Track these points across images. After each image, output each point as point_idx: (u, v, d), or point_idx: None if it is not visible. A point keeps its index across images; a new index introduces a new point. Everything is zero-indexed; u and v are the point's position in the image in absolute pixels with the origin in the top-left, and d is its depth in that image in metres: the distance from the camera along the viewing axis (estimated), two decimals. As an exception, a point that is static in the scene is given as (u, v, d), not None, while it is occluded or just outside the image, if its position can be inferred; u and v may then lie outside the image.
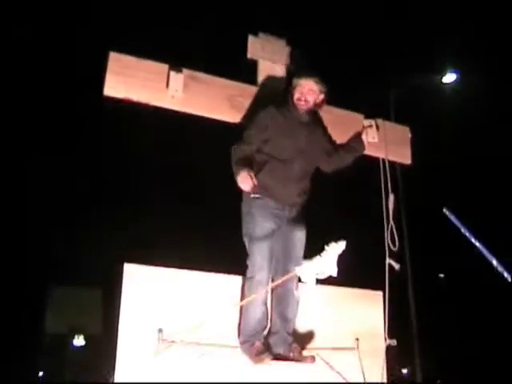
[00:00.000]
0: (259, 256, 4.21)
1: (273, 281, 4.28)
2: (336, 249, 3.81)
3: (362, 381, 4.59)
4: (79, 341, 18.84)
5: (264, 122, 4.43)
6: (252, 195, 4.32)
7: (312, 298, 4.63)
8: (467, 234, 4.04)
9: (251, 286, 4.19)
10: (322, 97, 4.60)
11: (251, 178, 4.17)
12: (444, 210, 4.20)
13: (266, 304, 4.25)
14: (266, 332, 4.28)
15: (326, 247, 3.85)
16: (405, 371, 19.39)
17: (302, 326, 4.56)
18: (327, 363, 4.49)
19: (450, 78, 11.91)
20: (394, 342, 4.75)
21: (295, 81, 4.57)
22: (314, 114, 4.65)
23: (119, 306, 4.21)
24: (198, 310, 4.31)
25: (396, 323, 5.06)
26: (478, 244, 3.91)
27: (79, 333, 18.72)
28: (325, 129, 4.82)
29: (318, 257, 3.85)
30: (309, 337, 4.57)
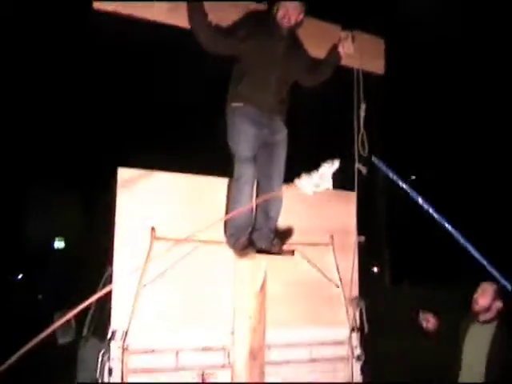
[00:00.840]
0: (244, 158, 4.56)
1: (257, 183, 4.67)
2: (331, 167, 4.29)
3: (336, 273, 5.10)
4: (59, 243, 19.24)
5: (244, 28, 4.68)
6: (234, 104, 4.63)
7: (291, 198, 5.03)
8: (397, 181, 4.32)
9: (238, 185, 4.56)
10: (302, 15, 4.83)
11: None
12: (372, 159, 4.47)
13: (251, 201, 4.61)
14: (250, 228, 4.69)
15: (322, 164, 4.29)
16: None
17: (281, 224, 4.96)
18: (305, 257, 4.95)
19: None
20: (362, 239, 5.24)
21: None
22: (293, 31, 4.89)
23: (114, 208, 4.58)
24: (189, 211, 4.69)
25: (368, 223, 5.53)
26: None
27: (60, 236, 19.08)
28: (303, 46, 5.07)
29: (315, 172, 4.29)
30: (288, 233, 4.97)
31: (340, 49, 5.22)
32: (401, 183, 4.53)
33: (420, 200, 4.65)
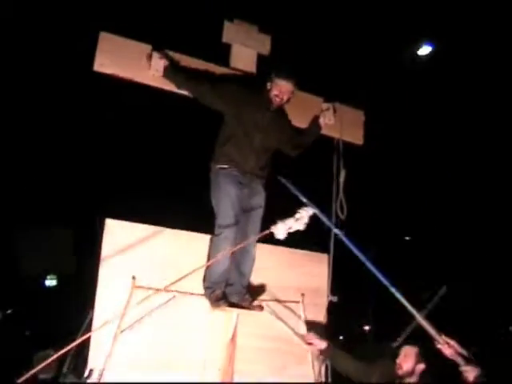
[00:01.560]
0: (226, 216, 4.89)
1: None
2: (306, 213, 4.71)
3: (304, 330, 5.39)
4: (51, 281, 19.31)
5: (232, 89, 5.08)
6: (218, 166, 5.00)
7: (266, 257, 5.38)
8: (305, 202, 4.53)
9: (218, 241, 4.89)
10: (291, 96, 5.24)
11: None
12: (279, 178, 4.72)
13: (229, 259, 4.92)
14: (225, 283, 4.99)
15: (298, 212, 4.71)
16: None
17: (255, 281, 5.28)
18: (274, 313, 5.26)
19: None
20: (335, 298, 5.55)
21: (275, 79, 5.14)
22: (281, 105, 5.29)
23: (99, 256, 4.91)
24: (169, 263, 5.02)
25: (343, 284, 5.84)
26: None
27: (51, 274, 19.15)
28: (287, 117, 5.48)
29: (291, 218, 4.68)
30: (260, 290, 5.30)
31: (321, 119, 5.62)
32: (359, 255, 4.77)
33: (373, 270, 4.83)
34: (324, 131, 5.73)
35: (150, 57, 5.07)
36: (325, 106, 5.78)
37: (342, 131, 5.86)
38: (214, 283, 4.90)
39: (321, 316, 5.53)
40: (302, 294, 5.50)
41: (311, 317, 5.50)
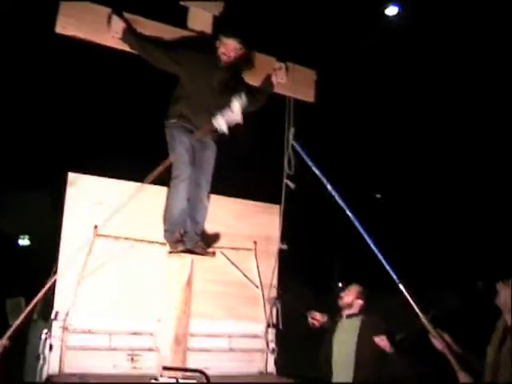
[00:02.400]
0: (181, 161, 5.26)
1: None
2: (240, 101, 5.22)
3: (256, 276, 5.83)
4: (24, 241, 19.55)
5: (186, 52, 5.35)
6: (172, 121, 5.35)
7: (220, 208, 5.77)
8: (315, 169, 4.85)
9: (175, 184, 5.26)
10: (241, 52, 5.52)
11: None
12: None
13: (186, 201, 5.28)
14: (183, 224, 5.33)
15: (232, 102, 5.21)
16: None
17: (210, 230, 5.68)
18: (228, 259, 5.68)
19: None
20: (285, 246, 5.97)
21: (222, 37, 5.43)
22: (232, 63, 5.54)
23: (62, 209, 5.27)
24: (130, 214, 5.35)
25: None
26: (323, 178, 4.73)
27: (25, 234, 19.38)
28: (240, 76, 5.78)
29: (226, 111, 5.20)
30: (215, 239, 5.69)
31: (274, 78, 5.94)
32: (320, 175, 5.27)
33: (334, 194, 5.33)
34: (276, 90, 6.03)
35: (109, 19, 5.27)
36: (277, 65, 6.04)
37: (294, 90, 6.18)
38: (172, 225, 5.28)
39: (272, 262, 5.94)
40: (255, 242, 5.91)
41: (263, 263, 5.92)
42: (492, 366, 3.95)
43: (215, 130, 5.43)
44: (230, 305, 5.75)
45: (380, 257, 5.04)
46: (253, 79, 5.96)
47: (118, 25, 5.27)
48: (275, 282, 5.97)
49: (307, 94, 6.37)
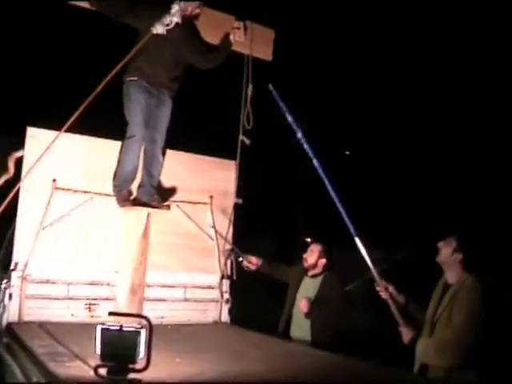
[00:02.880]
0: (135, 122, 5.35)
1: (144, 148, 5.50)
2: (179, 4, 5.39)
3: (211, 229, 6.03)
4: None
5: (146, 7, 5.42)
6: (128, 78, 5.42)
7: (177, 164, 5.93)
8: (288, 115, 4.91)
9: (127, 143, 5.37)
10: (198, 10, 5.63)
11: None
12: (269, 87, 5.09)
13: (137, 160, 5.41)
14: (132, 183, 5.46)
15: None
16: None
17: (166, 184, 5.80)
18: (184, 212, 5.87)
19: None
20: (240, 201, 6.15)
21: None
22: (190, 19, 5.64)
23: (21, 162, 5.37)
24: (88, 168, 5.52)
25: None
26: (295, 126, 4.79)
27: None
28: (198, 33, 5.84)
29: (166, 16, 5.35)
30: (171, 193, 5.81)
31: (232, 36, 6.03)
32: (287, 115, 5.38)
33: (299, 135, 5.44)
34: (235, 47, 6.13)
35: None
36: (236, 24, 6.12)
37: (252, 48, 6.28)
38: (121, 182, 5.39)
39: (227, 216, 6.13)
40: (211, 197, 6.09)
41: (219, 217, 6.12)
42: (430, 321, 4.20)
43: (172, 88, 5.55)
44: (186, 256, 5.96)
45: (340, 209, 5.13)
46: (212, 37, 6.03)
47: None
48: (230, 234, 6.16)
49: (265, 53, 6.46)
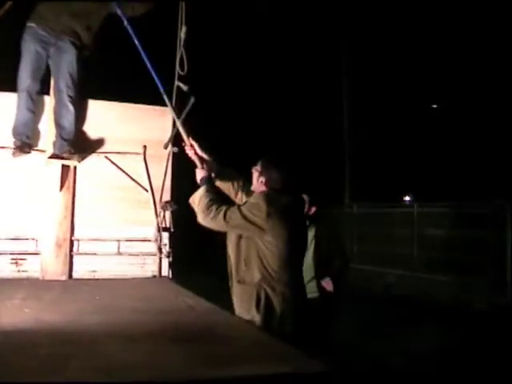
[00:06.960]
0: (22, 71, 5.19)
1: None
2: None
3: (146, 180, 5.79)
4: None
5: None
6: (28, 23, 5.22)
7: (107, 113, 5.70)
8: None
9: (20, 95, 5.20)
10: None
11: None
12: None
13: (29, 112, 5.24)
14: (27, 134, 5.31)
15: None
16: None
17: (95, 135, 5.63)
18: (114, 163, 5.64)
19: None
20: (176, 149, 5.87)
21: None
22: None
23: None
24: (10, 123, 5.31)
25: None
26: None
27: None
28: None
29: None
30: (100, 144, 5.62)
31: None
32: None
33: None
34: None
35: None
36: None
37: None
38: (15, 134, 5.24)
39: (163, 166, 5.85)
40: (144, 146, 5.82)
41: (155, 167, 5.83)
42: None
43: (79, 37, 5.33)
44: (120, 209, 5.73)
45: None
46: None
47: None
48: (168, 185, 5.91)
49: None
